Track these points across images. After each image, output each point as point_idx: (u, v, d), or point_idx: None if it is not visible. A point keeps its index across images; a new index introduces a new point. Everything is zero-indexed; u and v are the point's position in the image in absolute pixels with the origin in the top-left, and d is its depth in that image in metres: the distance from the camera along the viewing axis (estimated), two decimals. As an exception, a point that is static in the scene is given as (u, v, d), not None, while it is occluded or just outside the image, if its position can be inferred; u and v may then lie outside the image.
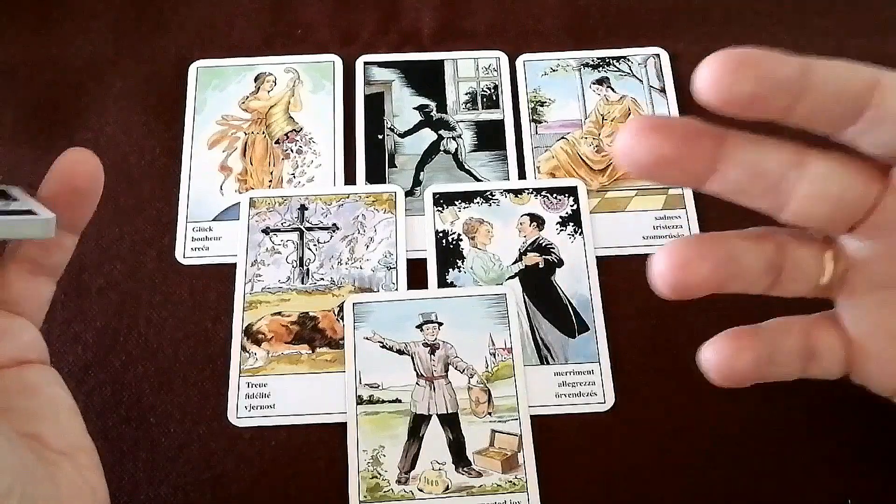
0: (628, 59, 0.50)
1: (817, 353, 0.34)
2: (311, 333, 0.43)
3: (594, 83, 0.50)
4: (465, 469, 0.40)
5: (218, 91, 0.49)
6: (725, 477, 0.40)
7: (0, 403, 0.29)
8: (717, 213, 0.46)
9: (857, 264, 0.33)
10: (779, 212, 0.32)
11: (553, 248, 0.45)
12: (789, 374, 0.35)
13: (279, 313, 0.43)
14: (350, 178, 0.47)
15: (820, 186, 0.31)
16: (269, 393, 0.42)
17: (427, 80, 0.50)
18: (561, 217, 0.46)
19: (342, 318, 0.43)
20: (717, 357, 0.33)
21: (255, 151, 0.48)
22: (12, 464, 0.26)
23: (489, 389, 0.41)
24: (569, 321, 0.43)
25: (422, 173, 0.47)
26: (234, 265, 0.45)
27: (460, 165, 0.48)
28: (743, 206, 0.32)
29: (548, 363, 0.42)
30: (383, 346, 0.42)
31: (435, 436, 0.40)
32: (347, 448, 0.40)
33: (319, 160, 0.47)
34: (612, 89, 0.49)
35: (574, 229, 0.45)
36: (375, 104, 0.49)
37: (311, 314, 0.43)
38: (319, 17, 0.52)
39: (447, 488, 0.39)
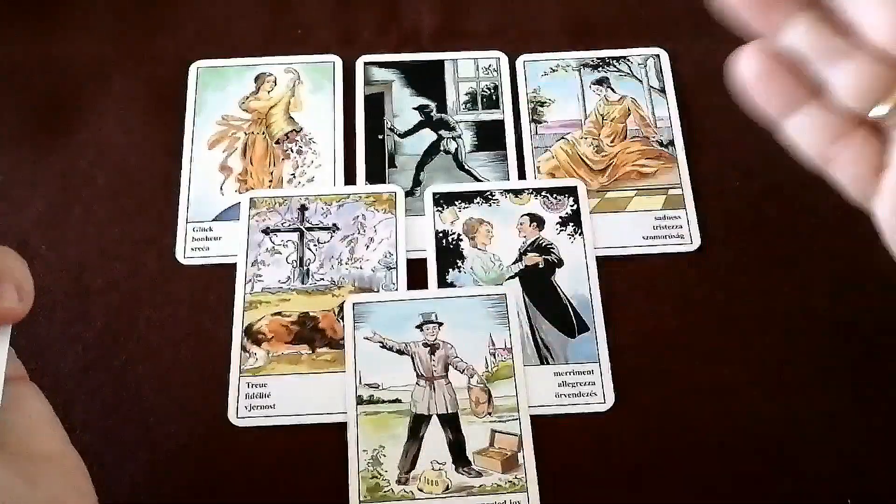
0: (628, 59, 0.50)
1: (846, 147, 0.33)
2: (311, 333, 0.43)
3: (594, 83, 0.50)
4: (465, 469, 0.40)
5: (218, 91, 0.49)
6: (725, 477, 0.40)
7: None
8: (717, 215, 0.46)
9: None
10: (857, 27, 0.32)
11: (553, 249, 0.45)
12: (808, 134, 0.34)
13: (279, 313, 0.43)
14: (350, 178, 0.47)
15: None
16: (269, 393, 0.41)
17: (427, 81, 0.50)
18: (561, 217, 0.46)
19: (342, 318, 0.43)
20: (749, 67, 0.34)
21: (256, 151, 0.48)
22: None
23: (489, 389, 0.41)
24: (569, 321, 0.43)
25: (422, 173, 0.47)
26: (234, 265, 0.45)
27: (460, 165, 0.48)
28: None
29: (548, 363, 0.42)
30: (383, 346, 0.42)
31: (435, 436, 0.40)
32: (347, 448, 0.40)
33: (319, 160, 0.47)
34: (612, 89, 0.49)
35: (574, 229, 0.45)
36: (375, 104, 0.49)
37: (311, 314, 0.43)
38: (319, 17, 0.52)
39: (447, 488, 0.39)
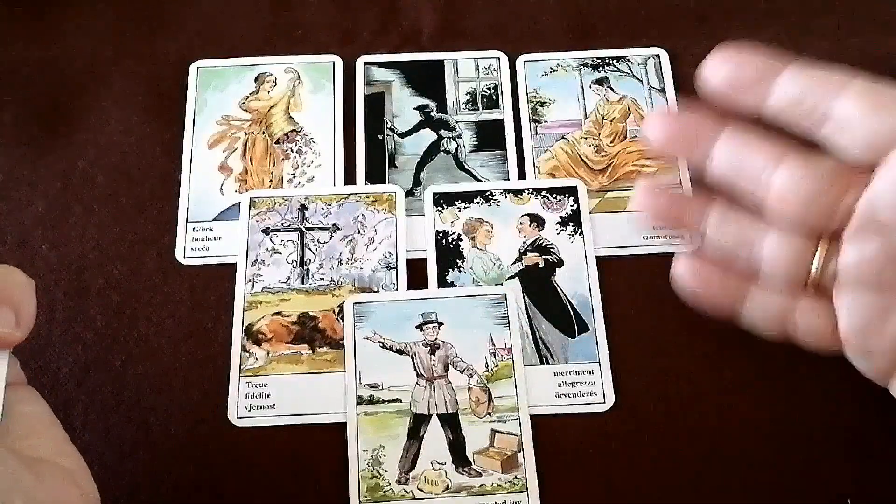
0: (628, 59, 0.50)
1: (797, 322, 0.36)
2: (311, 333, 0.43)
3: (594, 83, 0.50)
4: (465, 469, 0.40)
5: (218, 91, 0.49)
6: (725, 477, 0.40)
7: None
8: (717, 213, 0.46)
9: (847, 266, 0.33)
10: (762, 205, 0.35)
11: (553, 248, 0.45)
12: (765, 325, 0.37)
13: (279, 313, 0.43)
14: (350, 178, 0.47)
15: (791, 184, 0.34)
16: (269, 393, 0.42)
17: (427, 80, 0.50)
18: (561, 217, 0.46)
19: (342, 318, 0.43)
20: (684, 277, 0.37)
21: (256, 151, 0.48)
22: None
23: (489, 389, 0.41)
24: (569, 321, 0.43)
25: (422, 173, 0.47)
26: (234, 265, 0.45)
27: (460, 165, 0.48)
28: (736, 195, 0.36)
29: (548, 363, 0.42)
30: (383, 346, 0.42)
31: (435, 436, 0.41)
32: (347, 448, 0.40)
33: (319, 160, 0.47)
34: (612, 89, 0.49)
35: (574, 229, 0.45)
36: (375, 104, 0.49)
37: (311, 314, 0.43)
38: (319, 17, 0.52)
39: (447, 488, 0.39)
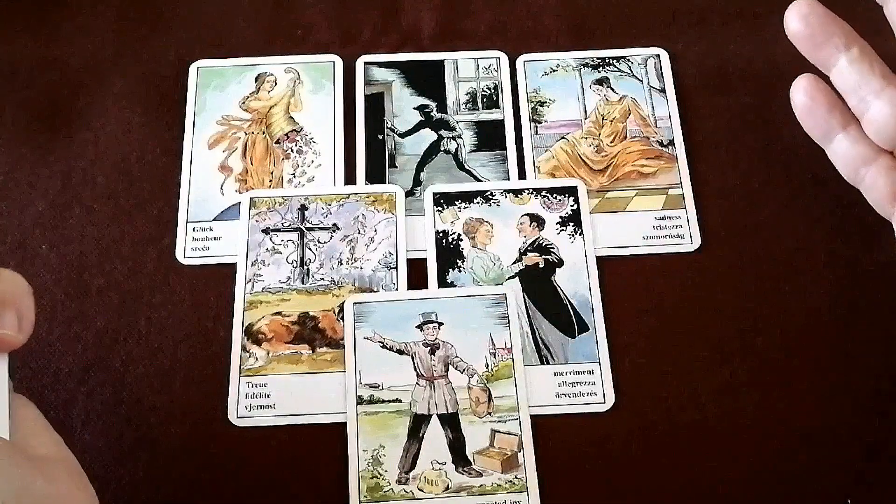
0: (628, 59, 0.50)
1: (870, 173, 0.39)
2: (312, 333, 0.43)
3: (594, 83, 0.50)
4: (465, 469, 0.40)
5: (218, 91, 0.49)
6: (725, 477, 0.40)
7: None
8: (717, 215, 0.46)
9: None
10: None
11: (553, 248, 0.45)
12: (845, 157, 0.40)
13: (279, 313, 0.43)
14: (350, 178, 0.47)
15: None
16: (269, 393, 0.42)
17: (427, 80, 0.50)
18: (561, 217, 0.46)
19: (342, 318, 0.43)
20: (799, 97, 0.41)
21: (256, 151, 0.48)
22: (11, 473, 0.28)
23: (489, 389, 0.41)
24: (569, 321, 0.43)
25: (422, 173, 0.47)
26: (235, 265, 0.45)
27: (460, 165, 0.48)
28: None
29: (548, 363, 0.42)
30: (383, 346, 0.42)
31: (435, 436, 0.41)
32: (347, 448, 0.40)
33: (319, 160, 0.47)
34: (612, 89, 0.49)
35: (574, 229, 0.45)
36: (375, 104, 0.49)
37: (311, 314, 0.43)
38: (319, 17, 0.52)
39: (447, 488, 0.39)
